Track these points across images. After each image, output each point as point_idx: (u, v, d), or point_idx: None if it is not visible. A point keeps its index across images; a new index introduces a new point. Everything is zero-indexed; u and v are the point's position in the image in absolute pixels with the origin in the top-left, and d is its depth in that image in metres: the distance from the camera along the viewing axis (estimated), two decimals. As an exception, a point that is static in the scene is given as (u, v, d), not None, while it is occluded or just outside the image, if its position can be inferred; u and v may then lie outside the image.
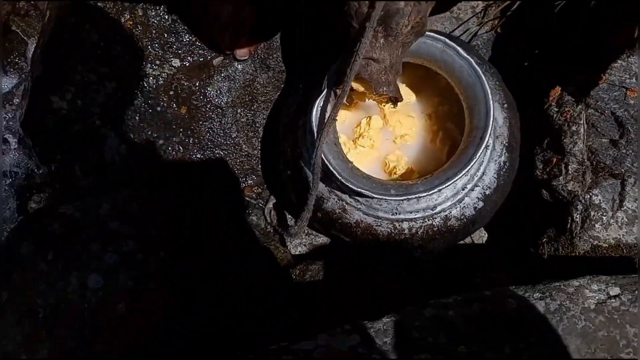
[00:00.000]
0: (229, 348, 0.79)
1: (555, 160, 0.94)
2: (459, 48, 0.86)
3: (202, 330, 0.86)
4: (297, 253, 1.07)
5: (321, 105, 0.87)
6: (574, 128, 0.92)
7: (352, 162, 0.88)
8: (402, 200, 0.87)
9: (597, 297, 0.72)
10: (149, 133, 1.04)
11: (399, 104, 0.88)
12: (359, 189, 0.84)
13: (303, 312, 0.91)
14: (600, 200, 0.88)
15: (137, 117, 1.03)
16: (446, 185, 0.84)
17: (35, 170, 1.08)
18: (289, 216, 1.07)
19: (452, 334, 0.71)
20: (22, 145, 1.07)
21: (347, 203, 0.92)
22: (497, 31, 1.17)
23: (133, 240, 0.88)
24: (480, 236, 1.08)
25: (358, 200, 0.91)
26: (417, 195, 0.85)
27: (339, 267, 1.00)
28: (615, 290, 0.73)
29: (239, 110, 1.08)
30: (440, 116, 1.00)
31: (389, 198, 0.85)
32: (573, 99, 0.94)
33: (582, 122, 0.92)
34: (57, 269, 0.85)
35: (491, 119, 0.84)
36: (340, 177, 0.85)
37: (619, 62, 0.89)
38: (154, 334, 0.84)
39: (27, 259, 0.86)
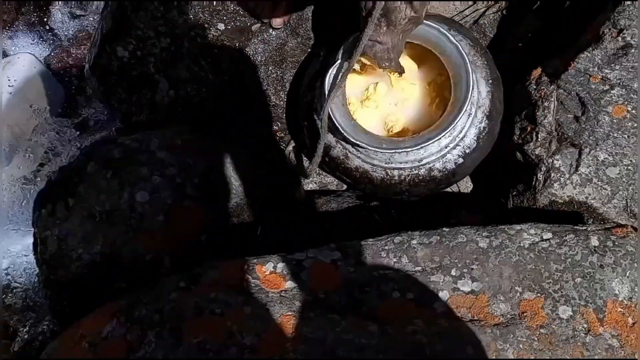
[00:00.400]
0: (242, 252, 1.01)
1: (529, 128, 1.11)
2: (449, 35, 1.04)
3: (221, 240, 1.08)
4: (308, 188, 1.28)
5: (334, 73, 1.05)
6: (545, 104, 1.09)
7: (355, 120, 1.08)
8: (393, 152, 1.06)
9: (532, 239, 0.91)
10: (193, 85, 1.25)
11: (403, 74, 1.07)
12: (357, 142, 1.04)
13: (305, 232, 1.12)
14: (560, 164, 1.05)
15: (184, 68, 1.24)
16: (429, 143, 1.03)
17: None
18: (305, 158, 1.28)
19: (412, 257, 0.91)
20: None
21: (349, 152, 1.11)
22: (502, 12, 1.33)
23: (175, 167, 1.11)
24: (466, 186, 1.27)
25: (358, 150, 1.10)
26: (404, 150, 1.04)
27: (340, 202, 1.20)
28: (547, 235, 0.91)
29: (270, 68, 1.28)
30: (438, 85, 1.18)
31: (381, 150, 1.04)
32: (548, 80, 1.10)
33: (552, 99, 1.08)
34: (114, 185, 1.08)
35: (470, 93, 1.02)
36: (343, 131, 1.04)
37: (586, 53, 1.05)
38: (184, 239, 1.07)
39: (92, 175, 1.10)
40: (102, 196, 1.08)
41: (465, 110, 1.03)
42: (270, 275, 0.91)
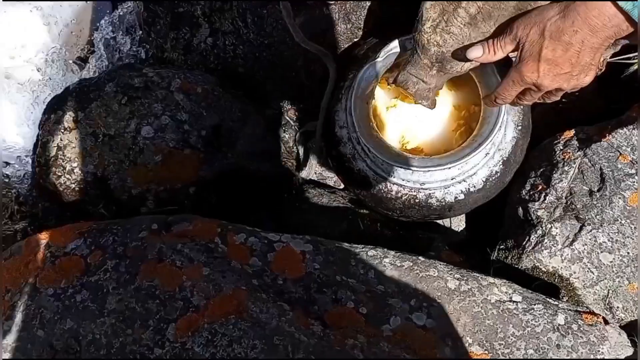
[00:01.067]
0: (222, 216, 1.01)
1: (540, 187, 1.09)
2: (494, 67, 1.01)
3: (208, 199, 1.09)
4: (306, 177, 1.28)
5: (362, 84, 1.04)
6: (565, 168, 1.07)
7: (373, 122, 1.06)
8: (396, 166, 1.05)
9: (500, 297, 0.90)
10: (233, 39, 1.25)
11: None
12: (366, 145, 1.03)
13: (288, 217, 1.13)
14: (557, 233, 1.03)
15: (229, 20, 1.24)
16: (436, 169, 1.02)
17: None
18: (313, 146, 1.28)
19: (379, 274, 0.91)
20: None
21: (357, 152, 1.11)
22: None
23: (187, 113, 1.11)
24: (458, 224, 1.25)
25: (366, 153, 1.09)
26: (409, 167, 1.03)
27: (332, 199, 1.20)
28: (517, 298, 0.90)
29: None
30: (469, 114, 1.16)
31: (386, 160, 1.03)
32: (577, 144, 1.08)
33: (575, 165, 1.06)
34: (124, 112, 1.09)
35: (494, 132, 1.00)
36: (356, 130, 1.03)
37: (625, 129, 1.02)
38: (173, 186, 1.08)
39: (107, 96, 1.11)
40: (110, 119, 1.09)
41: (484, 148, 1.01)
42: (239, 246, 0.91)
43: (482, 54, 0.83)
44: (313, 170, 1.30)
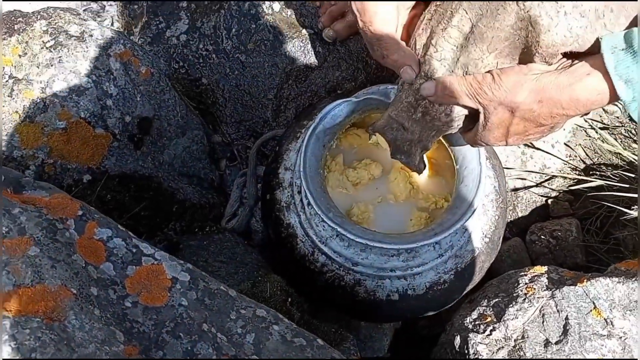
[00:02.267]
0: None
1: (489, 319, 0.89)
2: (482, 156, 0.85)
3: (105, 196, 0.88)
4: (230, 227, 1.07)
5: (325, 121, 0.87)
6: (525, 305, 0.87)
7: (322, 171, 0.88)
8: (331, 234, 0.86)
9: None
10: (209, 44, 1.09)
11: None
12: (307, 192, 0.83)
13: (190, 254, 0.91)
14: (492, 379, 0.82)
15: (212, 27, 1.09)
16: (373, 246, 0.83)
17: None
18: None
19: (259, 342, 0.68)
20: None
21: (294, 202, 0.91)
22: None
23: (116, 88, 0.93)
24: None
25: (303, 206, 0.90)
26: (345, 236, 0.83)
27: (248, 252, 0.99)
28: None
29: (290, 82, 1.11)
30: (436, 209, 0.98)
31: (323, 219, 0.83)
32: (546, 284, 0.89)
33: (537, 305, 0.86)
34: (44, 57, 0.90)
35: (455, 228, 0.81)
36: (301, 174, 0.84)
37: (607, 280, 0.84)
38: (66, 160, 0.87)
39: (33, 33, 0.91)
40: (25, 61, 0.90)
41: (439, 242, 0.83)
42: (96, 242, 0.69)
43: (432, 93, 0.71)
44: (243, 223, 1.09)
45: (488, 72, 0.66)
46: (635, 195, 1.01)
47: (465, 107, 0.70)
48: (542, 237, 1.10)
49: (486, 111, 0.66)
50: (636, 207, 0.98)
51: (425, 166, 0.85)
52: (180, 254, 0.94)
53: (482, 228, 0.90)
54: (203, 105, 1.12)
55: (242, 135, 1.14)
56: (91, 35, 0.91)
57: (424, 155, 0.83)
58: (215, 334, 0.67)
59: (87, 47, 0.90)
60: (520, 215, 1.16)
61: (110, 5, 1.19)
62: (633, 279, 0.83)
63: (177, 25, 1.12)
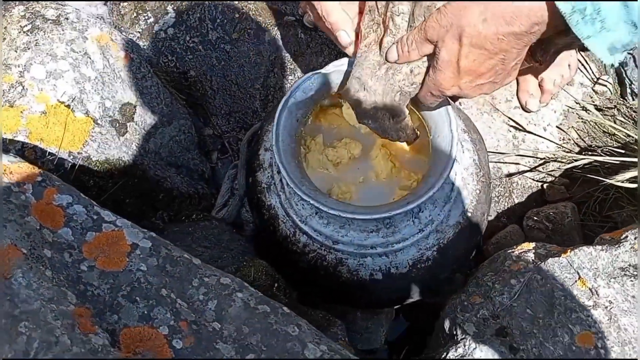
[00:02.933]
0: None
1: (476, 297, 0.84)
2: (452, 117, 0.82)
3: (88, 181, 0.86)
4: (221, 217, 1.05)
5: (297, 95, 0.84)
6: (512, 281, 0.83)
7: (298, 148, 0.85)
8: (311, 212, 0.83)
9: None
10: (196, 36, 1.09)
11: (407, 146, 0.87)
12: (285, 171, 0.80)
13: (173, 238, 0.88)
14: (481, 356, 0.77)
15: (197, 19, 1.09)
16: (353, 219, 0.79)
17: None
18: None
19: (221, 309, 0.65)
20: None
21: (274, 183, 0.89)
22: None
23: (95, 72, 0.92)
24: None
25: (282, 186, 0.87)
26: (324, 213, 0.80)
27: (234, 239, 0.96)
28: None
29: (275, 70, 1.09)
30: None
31: (302, 197, 0.79)
32: (533, 258, 0.84)
33: (523, 280, 0.82)
34: (21, 41, 0.89)
35: (432, 192, 0.78)
36: (276, 152, 0.81)
37: (591, 249, 0.79)
38: (49, 147, 0.86)
39: (11, 19, 0.91)
40: (4, 46, 0.90)
41: (416, 212, 0.79)
42: (54, 208, 0.67)
43: (397, 56, 0.70)
44: (233, 213, 1.06)
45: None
46: (630, 172, 0.96)
47: (424, 56, 0.69)
48: (538, 221, 1.05)
49: (436, 48, 0.64)
50: (629, 176, 0.93)
51: (415, 136, 0.81)
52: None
53: (462, 202, 0.86)
54: (193, 98, 1.12)
55: (232, 127, 1.12)
56: (67, 19, 0.91)
57: (409, 125, 0.79)
58: (175, 300, 0.65)
59: (63, 30, 0.90)
60: (517, 201, 1.11)
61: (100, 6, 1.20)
62: (616, 246, 0.78)
63: (164, 19, 1.12)
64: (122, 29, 1.14)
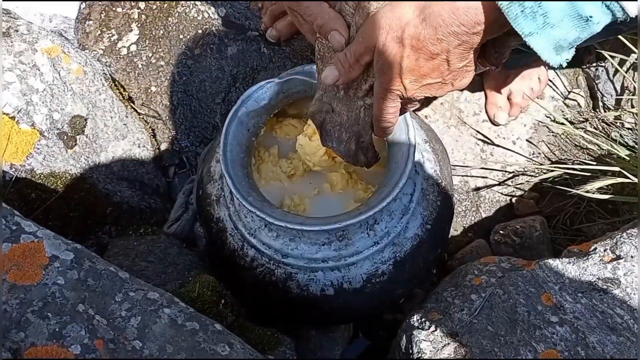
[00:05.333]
0: None
1: (435, 315, 0.76)
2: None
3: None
4: (172, 232, 0.97)
5: (248, 104, 0.77)
6: (472, 297, 0.74)
7: (248, 159, 0.78)
8: (260, 225, 0.75)
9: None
10: (158, 46, 1.03)
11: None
12: (232, 182, 0.73)
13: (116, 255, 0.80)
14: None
15: (162, 27, 1.03)
16: (303, 231, 0.72)
17: None
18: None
19: (145, 326, 0.57)
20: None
21: (223, 195, 0.81)
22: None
23: (44, 84, 0.86)
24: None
25: (231, 199, 0.80)
26: (273, 225, 0.72)
27: (181, 254, 0.88)
28: None
29: (237, 84, 1.03)
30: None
31: (250, 210, 0.71)
32: (496, 273, 0.76)
33: (484, 295, 0.73)
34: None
35: (385, 202, 0.70)
36: (223, 162, 0.74)
37: (558, 262, 0.71)
38: None
39: None
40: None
41: (370, 223, 0.71)
42: None
43: (338, 75, 0.63)
44: (185, 227, 0.99)
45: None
46: (599, 181, 0.88)
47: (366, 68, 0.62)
48: (505, 235, 0.97)
49: (377, 51, 0.57)
50: (598, 185, 0.85)
51: (377, 158, 0.74)
52: (106, 254, 0.83)
53: (422, 214, 0.78)
54: (153, 113, 1.05)
55: (192, 142, 1.05)
56: (17, 31, 0.85)
57: (372, 145, 0.72)
58: (93, 316, 0.56)
59: (11, 42, 0.84)
60: (484, 215, 1.03)
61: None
62: (585, 258, 0.69)
63: (127, 36, 1.06)
64: (86, 46, 1.08)
